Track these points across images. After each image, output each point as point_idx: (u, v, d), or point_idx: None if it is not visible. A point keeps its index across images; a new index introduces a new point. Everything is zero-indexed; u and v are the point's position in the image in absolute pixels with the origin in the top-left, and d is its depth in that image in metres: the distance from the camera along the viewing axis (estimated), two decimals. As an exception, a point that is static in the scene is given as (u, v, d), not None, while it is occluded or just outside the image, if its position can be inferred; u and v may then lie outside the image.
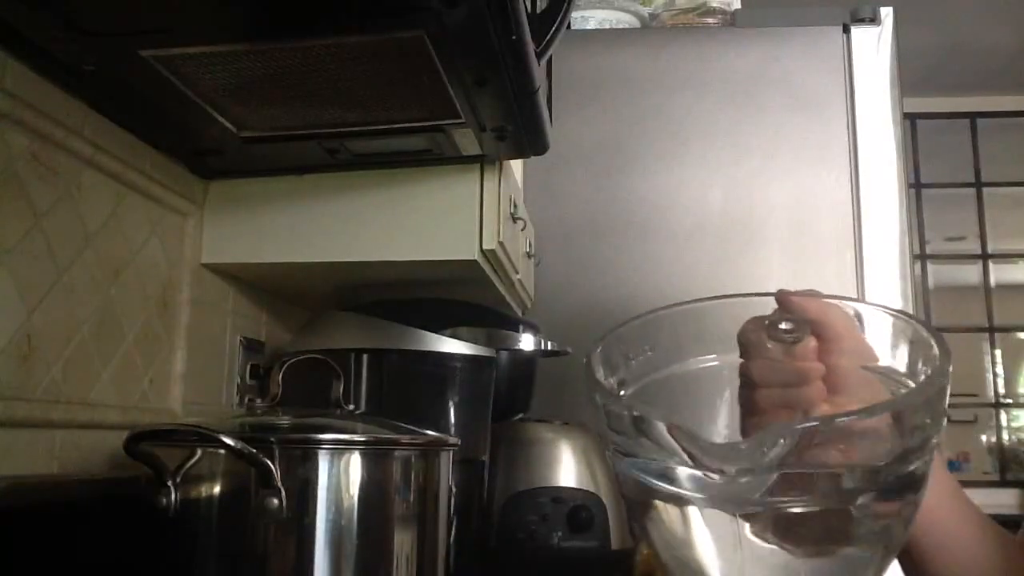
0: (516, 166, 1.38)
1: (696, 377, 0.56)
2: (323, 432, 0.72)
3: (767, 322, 0.54)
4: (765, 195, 1.64)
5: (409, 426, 0.80)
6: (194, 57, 0.73)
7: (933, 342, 0.50)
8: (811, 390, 0.54)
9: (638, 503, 0.49)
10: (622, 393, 0.53)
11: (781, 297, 0.54)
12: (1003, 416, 3.75)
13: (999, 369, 3.76)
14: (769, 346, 0.54)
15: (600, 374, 0.51)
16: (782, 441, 0.42)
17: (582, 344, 0.57)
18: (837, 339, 0.54)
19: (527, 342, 1.16)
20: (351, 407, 0.84)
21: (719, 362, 0.56)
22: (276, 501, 0.66)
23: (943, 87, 3.60)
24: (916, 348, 0.52)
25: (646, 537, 0.49)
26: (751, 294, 0.56)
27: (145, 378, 0.95)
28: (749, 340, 0.55)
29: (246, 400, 1.16)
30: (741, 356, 0.55)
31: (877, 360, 0.54)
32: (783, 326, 0.53)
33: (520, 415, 1.26)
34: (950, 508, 0.63)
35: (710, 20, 1.77)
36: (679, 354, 0.56)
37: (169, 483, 0.68)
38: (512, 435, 1.20)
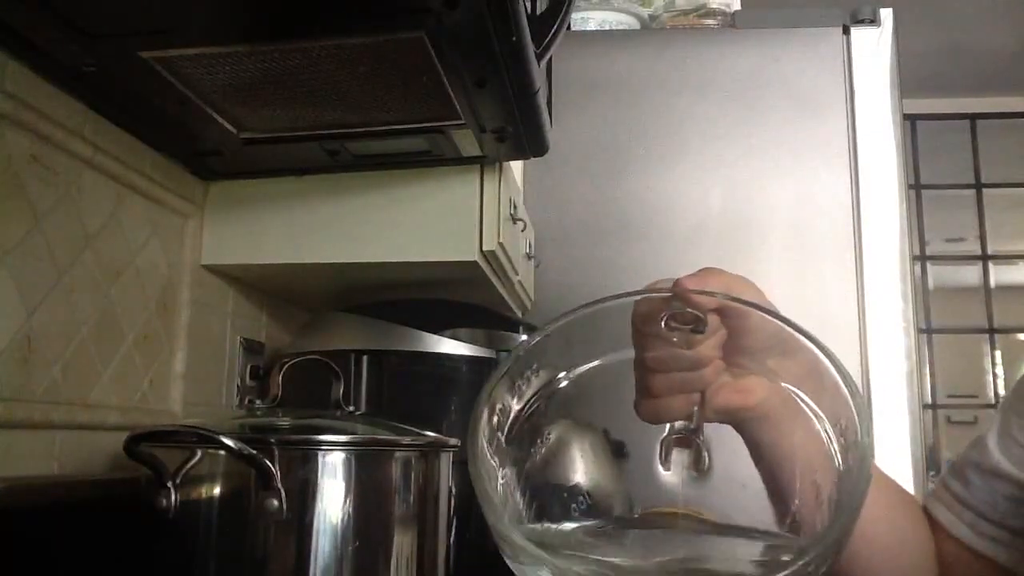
0: (516, 167, 1.38)
1: (592, 377, 0.55)
2: (323, 433, 0.72)
3: (665, 314, 0.52)
4: (765, 196, 1.64)
5: (409, 427, 0.80)
6: (194, 58, 0.73)
7: (851, 401, 0.47)
8: (708, 372, 0.53)
9: None
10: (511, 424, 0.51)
11: (680, 292, 0.52)
12: (1003, 417, 3.74)
13: (999, 370, 3.75)
14: (674, 339, 0.52)
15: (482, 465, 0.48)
16: None
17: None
18: (740, 316, 0.53)
19: (527, 343, 1.16)
20: (351, 408, 0.84)
21: (616, 359, 0.55)
22: (276, 502, 0.66)
23: (943, 88, 3.60)
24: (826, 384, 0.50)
25: None
26: (645, 291, 0.53)
27: (145, 379, 0.95)
28: (646, 330, 0.53)
29: (246, 401, 1.16)
30: (635, 342, 0.54)
31: (787, 338, 0.52)
32: (683, 316, 0.52)
33: (520, 416, 1.26)
34: (878, 516, 0.61)
35: (710, 21, 1.77)
36: (572, 361, 0.55)
37: (169, 484, 0.68)
38: (512, 436, 1.20)
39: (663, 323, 0.52)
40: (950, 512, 0.66)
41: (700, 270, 0.54)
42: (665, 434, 0.54)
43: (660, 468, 0.54)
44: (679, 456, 0.54)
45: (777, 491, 0.54)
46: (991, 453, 0.65)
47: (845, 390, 0.48)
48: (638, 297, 0.53)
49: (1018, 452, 0.63)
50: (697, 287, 0.52)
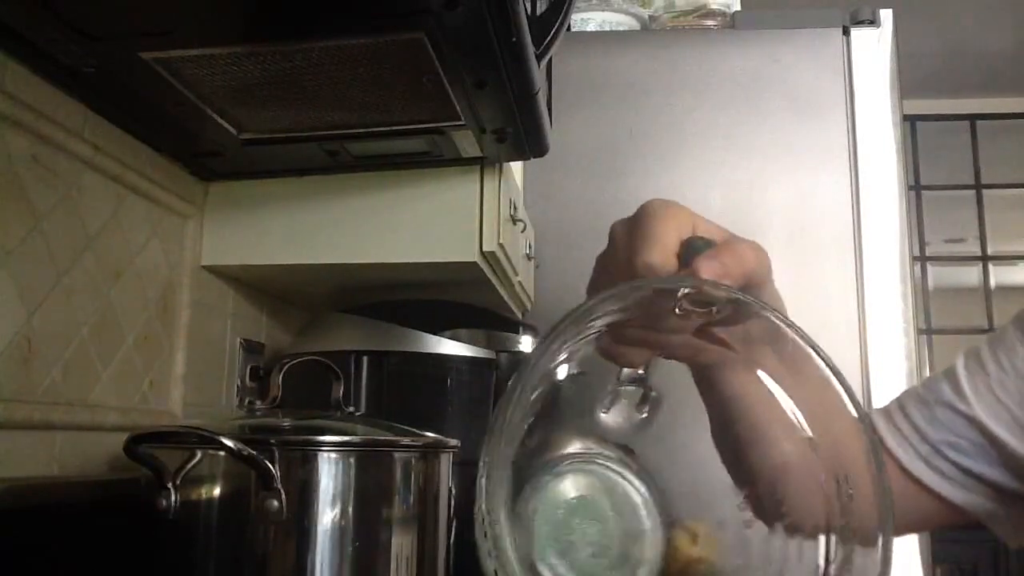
0: (516, 167, 1.38)
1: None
2: (323, 434, 0.72)
3: (682, 293, 0.49)
4: (765, 197, 1.64)
5: (409, 428, 0.80)
6: (194, 59, 0.73)
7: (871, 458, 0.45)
8: (682, 336, 0.52)
9: None
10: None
11: (705, 288, 0.49)
12: (1003, 418, 3.73)
13: (999, 371, 3.75)
14: (691, 320, 0.51)
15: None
16: None
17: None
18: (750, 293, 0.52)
19: (527, 344, 1.17)
20: (351, 409, 0.84)
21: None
22: (276, 503, 0.66)
23: (943, 89, 3.60)
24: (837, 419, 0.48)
25: None
26: (664, 280, 0.52)
27: (145, 380, 0.95)
28: (653, 304, 0.51)
29: (246, 402, 1.16)
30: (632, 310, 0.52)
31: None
32: (698, 300, 0.50)
33: (520, 417, 1.26)
34: None
35: (710, 22, 1.77)
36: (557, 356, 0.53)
37: (169, 485, 0.68)
38: (512, 437, 1.20)
39: (676, 309, 0.51)
40: (906, 442, 0.65)
41: (716, 248, 0.51)
42: (614, 382, 0.54)
43: (603, 414, 0.54)
44: (626, 404, 0.54)
45: (733, 462, 0.52)
46: (969, 401, 0.63)
47: (868, 446, 0.46)
48: (658, 286, 0.52)
49: (994, 405, 0.62)
50: (716, 275, 0.49)
